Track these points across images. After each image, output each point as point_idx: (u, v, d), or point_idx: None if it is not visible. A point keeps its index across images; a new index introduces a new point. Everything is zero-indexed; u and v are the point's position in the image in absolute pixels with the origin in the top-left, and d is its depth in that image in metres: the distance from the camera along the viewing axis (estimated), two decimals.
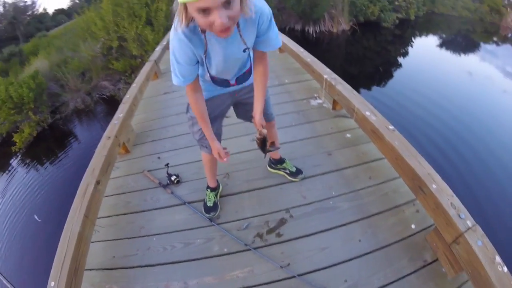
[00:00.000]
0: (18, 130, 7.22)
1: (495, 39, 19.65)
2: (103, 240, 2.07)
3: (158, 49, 5.26)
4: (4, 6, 34.35)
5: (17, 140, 6.88)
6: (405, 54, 11.67)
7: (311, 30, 12.47)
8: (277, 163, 2.29)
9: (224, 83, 1.47)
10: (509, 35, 23.93)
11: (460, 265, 1.48)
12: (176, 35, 1.15)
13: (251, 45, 1.31)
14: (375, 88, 7.84)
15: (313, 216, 1.98)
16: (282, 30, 12.70)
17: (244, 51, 1.28)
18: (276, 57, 4.86)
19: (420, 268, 1.64)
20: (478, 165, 4.45)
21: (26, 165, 6.59)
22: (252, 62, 1.47)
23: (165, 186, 2.36)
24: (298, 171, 2.26)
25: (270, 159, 2.31)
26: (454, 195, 1.57)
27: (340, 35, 12.44)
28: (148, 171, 2.58)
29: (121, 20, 7.98)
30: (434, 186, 1.63)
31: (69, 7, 46.51)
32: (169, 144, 2.94)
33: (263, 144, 1.54)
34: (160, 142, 3.01)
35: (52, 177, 5.75)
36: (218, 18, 0.92)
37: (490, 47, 16.83)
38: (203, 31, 1.13)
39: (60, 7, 46.28)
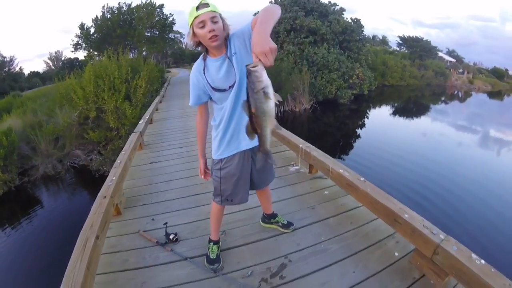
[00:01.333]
0: None
1: (443, 98, 22.00)
2: None
3: (142, 122, 5.52)
4: None
5: None
6: (362, 125, 12.66)
7: (276, 110, 13.31)
8: (270, 217, 2.46)
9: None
10: (455, 92, 26.81)
11: (444, 271, 1.75)
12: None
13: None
14: (338, 159, 8.44)
15: (309, 258, 2.13)
16: None
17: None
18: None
19: (411, 284, 1.86)
20: (443, 192, 5.69)
21: None
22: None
23: (163, 245, 2.36)
24: (290, 223, 2.45)
25: (263, 214, 2.50)
26: (424, 219, 1.93)
27: (302, 113, 13.51)
28: (144, 231, 2.59)
29: (102, 92, 8.15)
30: (406, 215, 1.99)
31: (44, 72, 46.30)
32: (162, 208, 2.98)
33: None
34: (152, 206, 3.04)
35: (9, 241, 5.33)
36: (210, 26, 1.49)
37: (439, 106, 18.76)
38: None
39: (35, 69, 46.01)
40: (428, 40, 38.47)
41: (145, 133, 5.42)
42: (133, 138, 4.40)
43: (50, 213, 6.43)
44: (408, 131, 11.85)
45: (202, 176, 2.09)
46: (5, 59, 39.52)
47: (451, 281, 1.82)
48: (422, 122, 13.80)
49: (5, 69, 39.24)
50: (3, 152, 7.11)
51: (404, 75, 27.29)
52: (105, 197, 2.57)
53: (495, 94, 28.32)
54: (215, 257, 2.12)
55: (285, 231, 2.42)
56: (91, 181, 7.61)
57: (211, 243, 2.20)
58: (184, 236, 2.49)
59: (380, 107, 17.52)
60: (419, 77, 28.84)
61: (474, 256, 1.62)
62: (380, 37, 52.18)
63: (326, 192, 3.03)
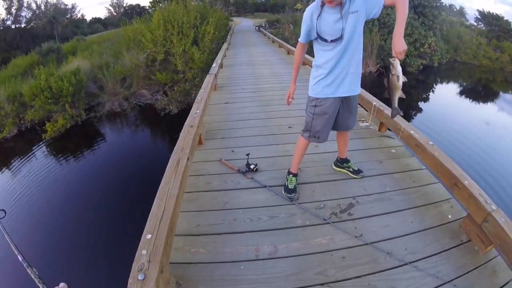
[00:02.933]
0: (51, 120, 7.26)
1: None
2: (186, 211, 2.24)
3: (215, 65, 5.73)
4: (46, 5, 35.35)
5: (49, 129, 6.94)
6: (426, 99, 11.98)
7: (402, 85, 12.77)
8: (343, 162, 2.67)
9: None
10: None
11: (489, 239, 1.89)
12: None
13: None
14: None
15: (374, 203, 2.35)
16: None
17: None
18: None
19: (458, 245, 2.02)
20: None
21: (52, 155, 6.61)
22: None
23: (244, 173, 2.66)
24: (359, 170, 2.65)
25: (337, 158, 2.71)
26: (481, 189, 2.06)
27: (367, 76, 12.91)
28: (225, 160, 2.90)
29: (170, 35, 8.32)
30: (466, 182, 2.11)
31: (105, 18, 47.58)
32: (241, 142, 3.29)
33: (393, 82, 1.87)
34: (231, 140, 3.35)
35: (73, 171, 5.81)
36: None
37: (509, 96, 16.98)
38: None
39: (97, 16, 47.22)
40: (509, 21, 34.15)
41: (218, 76, 5.68)
42: (209, 79, 4.66)
43: (111, 148, 6.91)
44: (472, 116, 10.93)
45: (289, 99, 2.38)
46: (67, 7, 40.92)
47: (492, 253, 1.96)
48: (488, 109, 12.69)
49: (67, 16, 40.70)
50: (72, 90, 7.58)
51: (478, 54, 24.51)
52: (192, 126, 2.86)
53: None
54: (293, 187, 2.39)
55: (355, 176, 2.63)
56: (155, 119, 8.04)
57: (291, 175, 2.45)
58: (263, 168, 2.78)
59: (447, 83, 16.05)
60: (493, 59, 25.71)
61: None
62: (458, 8, 47.03)
63: (393, 150, 3.15)
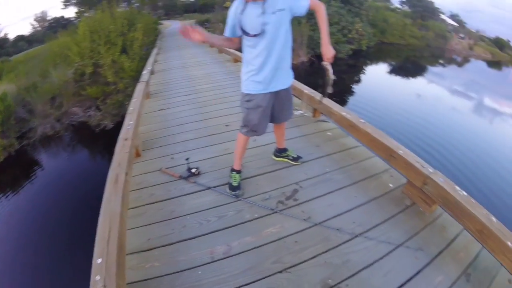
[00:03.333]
0: None
1: (441, 61, 21.54)
2: (134, 227, 2.14)
3: (145, 72, 5.52)
4: None
5: None
6: (358, 81, 12.54)
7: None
8: (282, 151, 2.73)
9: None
10: (454, 56, 26.39)
11: (432, 199, 2.06)
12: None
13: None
14: None
15: (317, 185, 2.44)
16: None
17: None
18: None
19: (404, 209, 2.19)
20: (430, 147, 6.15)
21: None
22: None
23: (186, 178, 2.58)
24: (298, 157, 2.73)
25: (276, 148, 2.76)
26: (416, 155, 2.23)
27: (300, 66, 13.20)
28: (165, 168, 2.79)
29: (98, 46, 7.89)
30: (401, 152, 2.27)
31: (30, 34, 43.74)
32: (180, 148, 3.18)
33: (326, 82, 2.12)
34: (169, 147, 3.23)
35: (14, 206, 5.29)
36: None
37: (437, 69, 18.30)
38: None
39: (21, 33, 43.22)
40: (432, 1, 37.39)
41: (149, 83, 5.47)
42: (140, 87, 4.45)
43: (50, 174, 6.38)
44: (404, 91, 11.64)
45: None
46: None
47: (437, 211, 2.14)
48: (418, 83, 13.65)
49: None
50: (0, 118, 6.91)
51: (405, 34, 26.40)
52: (126, 139, 2.71)
53: (493, 64, 27.92)
54: (237, 184, 2.37)
55: (295, 163, 2.70)
56: (91, 136, 7.52)
57: (234, 172, 2.44)
58: (205, 170, 2.71)
59: (377, 64, 17.12)
60: (419, 37, 27.90)
61: (457, 188, 1.92)
62: None
63: (329, 133, 3.29)
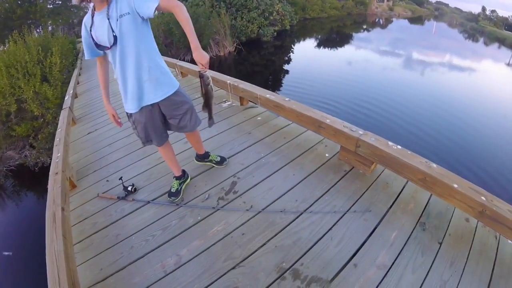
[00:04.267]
0: None
1: (364, 26, 22.56)
2: (84, 261, 2.07)
3: (67, 97, 5.21)
4: None
5: None
6: (288, 61, 12.75)
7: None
8: (203, 157, 2.65)
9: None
10: (376, 20, 27.53)
11: (369, 160, 2.17)
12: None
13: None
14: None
15: (254, 172, 2.47)
16: None
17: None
18: (180, 81, 5.23)
19: (344, 176, 2.29)
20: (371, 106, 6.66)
21: None
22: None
23: (124, 197, 2.49)
24: (222, 159, 2.65)
25: (196, 154, 2.68)
26: (344, 121, 2.31)
27: (228, 57, 13.09)
28: (102, 193, 2.68)
29: (17, 80, 7.30)
30: (328, 121, 2.35)
31: None
32: (112, 168, 3.04)
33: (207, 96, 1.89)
34: (103, 170, 3.08)
35: None
36: None
37: (362, 35, 19.17)
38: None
39: None
40: None
41: (73, 108, 5.18)
42: (64, 114, 4.20)
43: (3, 229, 5.87)
44: (334, 61, 12.12)
45: (116, 124, 2.17)
46: None
47: (378, 170, 2.26)
48: (347, 51, 14.16)
49: None
50: None
51: (325, 7, 27.25)
52: (57, 173, 2.56)
53: (415, 20, 29.63)
54: (174, 190, 2.33)
55: (220, 166, 2.63)
56: (32, 177, 7.08)
57: (174, 179, 2.40)
58: (141, 185, 2.63)
59: (304, 40, 17.65)
60: (339, 8, 29.04)
61: (390, 143, 2.02)
62: None
63: (259, 118, 3.35)
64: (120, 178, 2.62)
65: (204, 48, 12.72)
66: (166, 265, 1.87)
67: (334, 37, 18.80)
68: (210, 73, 4.16)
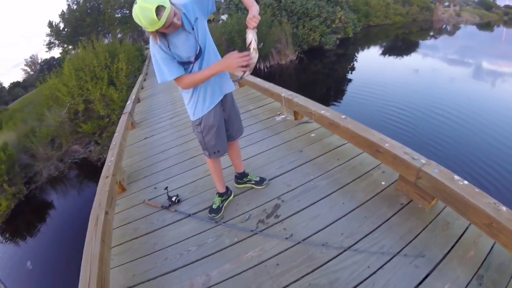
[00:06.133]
0: None
1: (431, 33, 21.42)
2: (120, 265, 2.16)
3: (129, 103, 5.54)
4: None
5: None
6: (352, 69, 12.37)
7: (262, 66, 13.10)
8: (243, 177, 2.55)
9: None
10: (443, 26, 26.01)
11: (429, 194, 1.88)
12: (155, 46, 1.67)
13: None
14: (332, 105, 8.24)
15: (300, 196, 2.32)
16: None
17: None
18: (237, 90, 5.32)
19: (399, 210, 2.02)
20: (436, 124, 5.92)
21: (6, 239, 6.27)
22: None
23: (168, 207, 2.54)
24: (262, 179, 2.53)
25: (235, 174, 2.57)
26: (404, 146, 2.04)
27: (289, 65, 13.17)
28: (148, 199, 2.76)
29: (85, 83, 8.08)
30: (387, 145, 2.09)
31: (24, 80, 45.43)
32: (162, 176, 3.15)
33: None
34: (153, 176, 3.21)
35: (33, 250, 5.52)
36: (176, 23, 1.54)
37: (429, 42, 18.23)
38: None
39: (15, 80, 44.97)
40: None
41: (134, 112, 5.51)
42: (123, 119, 4.50)
43: (63, 213, 6.61)
44: (399, 70, 11.44)
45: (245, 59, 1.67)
46: None
47: (439, 207, 1.96)
48: (413, 59, 13.44)
49: None
50: (4, 168, 7.18)
51: (389, 13, 26.39)
52: (107, 177, 2.71)
53: (484, 26, 27.33)
54: (216, 207, 2.31)
55: (259, 187, 2.51)
56: (94, 170, 7.65)
57: (217, 195, 2.38)
58: (185, 196, 2.66)
59: (368, 48, 17.11)
60: (404, 14, 27.90)
61: (456, 177, 1.70)
62: None
63: (312, 135, 3.18)
64: (166, 188, 2.69)
65: (266, 56, 13.07)
66: (194, 283, 1.84)
67: (400, 44, 17.95)
68: (267, 85, 3.84)
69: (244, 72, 1.69)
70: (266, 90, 4.06)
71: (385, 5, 26.72)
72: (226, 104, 2.06)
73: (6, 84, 45.38)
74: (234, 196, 2.48)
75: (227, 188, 2.43)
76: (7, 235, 6.38)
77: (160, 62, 1.70)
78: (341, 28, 16.36)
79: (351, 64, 13.27)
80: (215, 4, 1.81)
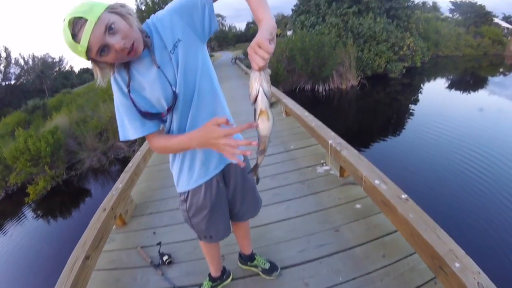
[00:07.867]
0: (33, 182, 7.38)
1: (501, 70, 19.89)
2: None
3: None
4: (33, 60, 37.54)
5: (31, 192, 7.02)
6: (415, 101, 11.75)
7: (321, 88, 12.74)
8: (248, 259, 1.95)
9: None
10: None
11: None
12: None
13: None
14: (390, 138, 7.78)
15: None
16: (293, 90, 13.16)
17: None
18: (282, 120, 4.83)
19: None
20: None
21: (38, 216, 6.77)
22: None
23: (156, 266, 2.13)
24: (273, 268, 1.90)
25: (240, 254, 1.99)
26: (481, 272, 1.34)
27: (350, 91, 12.66)
28: (142, 247, 2.39)
29: None
30: (457, 264, 1.39)
31: None
32: (167, 218, 2.76)
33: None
34: (158, 216, 2.84)
35: (62, 231, 5.81)
36: (117, 44, 0.92)
37: (498, 79, 17.05)
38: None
39: (85, 66, 49.29)
40: (483, 5, 35.49)
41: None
42: None
43: (97, 202, 6.75)
44: (465, 106, 10.77)
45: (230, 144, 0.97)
46: (55, 60, 43.69)
47: None
48: (480, 96, 12.47)
49: (55, 69, 43.08)
50: (49, 150, 7.59)
51: (459, 44, 25.20)
52: (105, 209, 2.41)
53: None
54: None
55: (267, 277, 1.88)
56: None
57: (207, 278, 1.84)
58: (179, 258, 2.21)
59: (434, 80, 16.25)
60: (475, 46, 26.42)
61: None
62: (431, 3, 48.87)
63: (358, 205, 2.47)
64: (159, 243, 2.32)
65: (326, 79, 12.70)
66: None
67: (468, 79, 17.03)
68: (314, 123, 3.63)
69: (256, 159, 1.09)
70: (312, 129, 3.47)
71: (456, 35, 25.66)
72: (229, 178, 1.42)
73: (77, 68, 49.80)
74: (232, 280, 1.91)
75: (223, 270, 1.87)
76: (39, 212, 6.91)
77: (120, 110, 1.13)
78: (409, 56, 15.69)
79: (416, 96, 12.55)
80: (216, 22, 1.14)
